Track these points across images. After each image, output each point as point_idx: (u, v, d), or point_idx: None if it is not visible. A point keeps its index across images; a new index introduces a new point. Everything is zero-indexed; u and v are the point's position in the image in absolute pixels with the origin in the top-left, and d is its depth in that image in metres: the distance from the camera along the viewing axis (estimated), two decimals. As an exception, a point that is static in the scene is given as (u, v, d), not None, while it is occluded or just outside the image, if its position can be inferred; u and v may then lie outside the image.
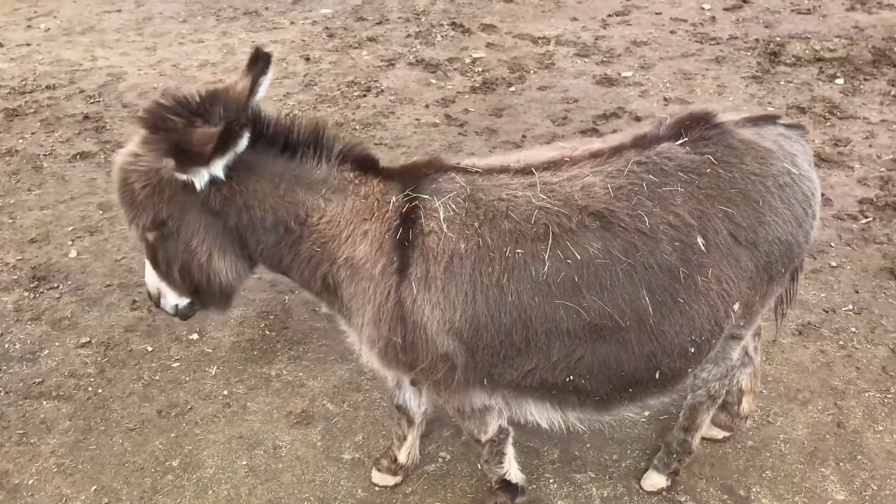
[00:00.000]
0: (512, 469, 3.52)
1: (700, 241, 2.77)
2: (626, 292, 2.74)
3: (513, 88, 8.18)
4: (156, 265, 3.01)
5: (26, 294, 5.24)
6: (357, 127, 7.47)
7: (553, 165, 2.90)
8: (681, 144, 2.89)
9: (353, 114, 7.74)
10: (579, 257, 2.70)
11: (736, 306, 2.92)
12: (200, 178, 2.68)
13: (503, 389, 3.05)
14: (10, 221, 6.12)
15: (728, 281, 2.85)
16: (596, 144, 3.04)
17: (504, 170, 2.91)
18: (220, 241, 2.89)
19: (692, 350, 2.90)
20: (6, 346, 4.80)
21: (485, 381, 2.98)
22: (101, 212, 6.17)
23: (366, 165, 2.95)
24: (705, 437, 3.85)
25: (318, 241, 2.88)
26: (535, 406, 3.10)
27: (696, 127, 2.95)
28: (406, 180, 2.91)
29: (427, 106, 7.88)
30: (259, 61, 2.94)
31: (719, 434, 3.91)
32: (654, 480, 3.69)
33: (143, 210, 2.80)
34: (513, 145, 6.99)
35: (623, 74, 8.37)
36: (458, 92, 8.14)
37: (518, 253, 2.72)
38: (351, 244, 2.85)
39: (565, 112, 7.59)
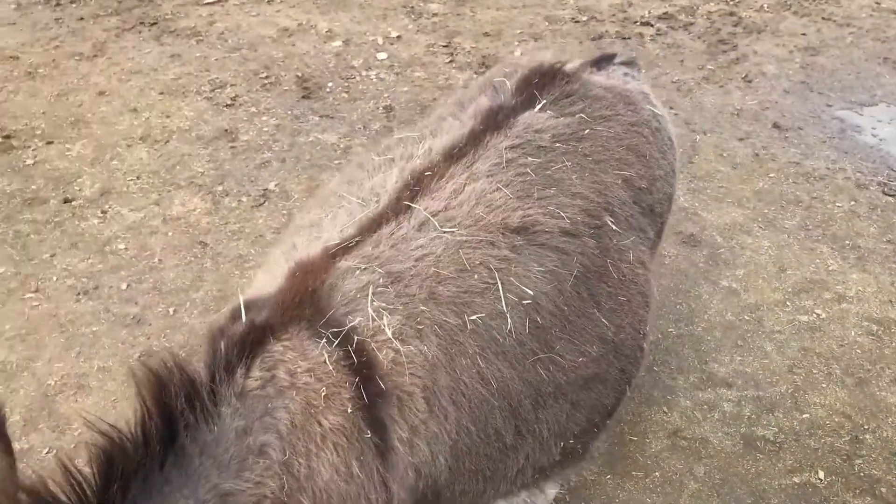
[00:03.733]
0: None
1: (609, 219, 2.26)
2: (582, 316, 2.16)
3: None
4: None
5: (474, 76, 6.08)
6: (807, -2, 7.17)
7: (417, 188, 2.13)
8: (540, 110, 2.34)
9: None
10: (531, 291, 2.05)
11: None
12: None
13: None
14: (472, 14, 7.00)
15: (645, 257, 2.39)
16: (438, 141, 2.31)
17: (377, 222, 2.07)
18: None
19: (644, 345, 2.40)
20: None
21: None
22: (546, 23, 6.78)
23: (246, 344, 1.75)
24: None
25: None
26: None
27: (550, 84, 2.41)
28: (299, 319, 1.84)
29: (892, -8, 7.24)
30: None
31: None
32: None
33: None
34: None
35: None
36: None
37: (478, 319, 1.98)
38: (307, 475, 1.72)
39: None
